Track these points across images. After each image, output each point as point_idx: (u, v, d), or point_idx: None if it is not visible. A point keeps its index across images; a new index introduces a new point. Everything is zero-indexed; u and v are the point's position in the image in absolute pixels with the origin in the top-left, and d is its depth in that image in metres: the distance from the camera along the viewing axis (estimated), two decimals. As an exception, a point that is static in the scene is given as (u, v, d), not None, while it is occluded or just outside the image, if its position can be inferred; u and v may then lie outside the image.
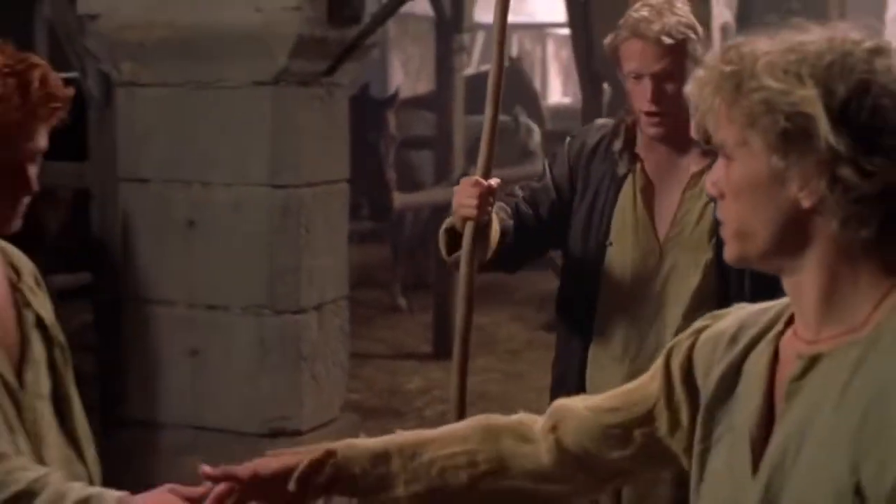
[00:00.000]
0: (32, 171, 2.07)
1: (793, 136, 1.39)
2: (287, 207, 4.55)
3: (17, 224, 2.10)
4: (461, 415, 2.73)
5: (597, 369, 3.00)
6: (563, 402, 1.87)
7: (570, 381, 3.02)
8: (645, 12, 2.87)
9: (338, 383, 4.85)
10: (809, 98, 1.38)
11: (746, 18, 9.39)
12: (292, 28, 4.40)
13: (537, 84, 17.73)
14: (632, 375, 2.80)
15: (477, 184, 2.81)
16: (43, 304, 2.23)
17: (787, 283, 1.50)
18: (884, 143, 1.37)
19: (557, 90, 23.03)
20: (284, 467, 1.78)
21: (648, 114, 2.87)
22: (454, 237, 2.92)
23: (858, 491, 1.34)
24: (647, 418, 1.74)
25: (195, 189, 4.65)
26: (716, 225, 2.62)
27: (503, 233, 2.98)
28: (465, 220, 2.84)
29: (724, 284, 2.78)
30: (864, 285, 1.43)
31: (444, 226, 2.96)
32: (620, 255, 2.96)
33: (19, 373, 2.11)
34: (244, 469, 1.79)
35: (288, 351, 4.59)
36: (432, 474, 1.80)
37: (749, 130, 1.43)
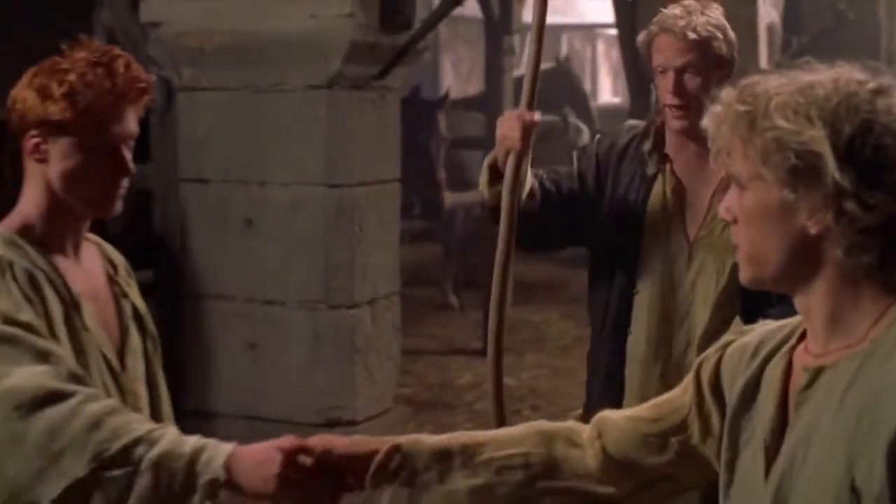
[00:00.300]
0: (127, 154, 2.17)
1: (802, 172, 1.50)
2: (341, 206, 4.65)
3: (118, 207, 2.20)
4: (498, 371, 2.73)
5: (629, 365, 3.03)
6: (605, 414, 1.99)
7: (602, 375, 3.08)
8: (677, 10, 2.97)
9: (390, 376, 4.94)
10: (818, 138, 1.49)
11: (793, 18, 9.41)
12: (346, 34, 4.50)
13: (587, 84, 17.73)
14: (663, 373, 2.96)
15: (521, 116, 2.82)
16: (137, 296, 2.34)
17: (797, 303, 1.62)
18: (886, 179, 1.49)
19: (607, 90, 22.99)
20: (352, 451, 1.94)
21: (671, 107, 2.94)
22: (494, 175, 2.92)
23: (854, 490, 1.45)
24: (682, 427, 1.85)
25: (253, 189, 4.76)
26: None
27: (531, 193, 2.98)
28: (508, 151, 2.85)
29: None
30: (865, 304, 1.55)
31: (486, 161, 2.96)
32: (650, 254, 2.99)
33: (121, 359, 2.23)
34: (318, 442, 1.96)
35: (342, 344, 4.68)
36: (490, 471, 1.92)
37: (762, 166, 1.54)
